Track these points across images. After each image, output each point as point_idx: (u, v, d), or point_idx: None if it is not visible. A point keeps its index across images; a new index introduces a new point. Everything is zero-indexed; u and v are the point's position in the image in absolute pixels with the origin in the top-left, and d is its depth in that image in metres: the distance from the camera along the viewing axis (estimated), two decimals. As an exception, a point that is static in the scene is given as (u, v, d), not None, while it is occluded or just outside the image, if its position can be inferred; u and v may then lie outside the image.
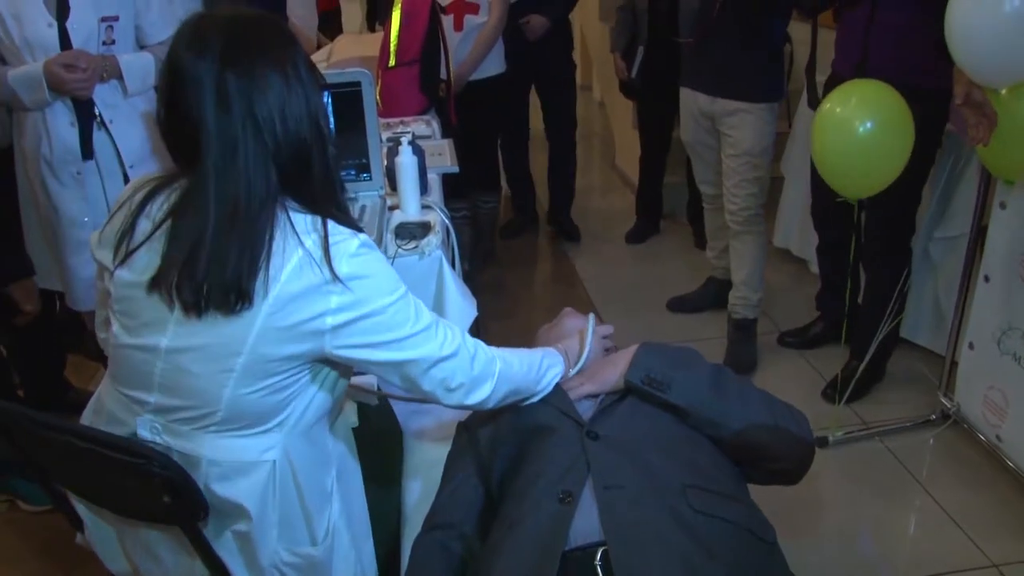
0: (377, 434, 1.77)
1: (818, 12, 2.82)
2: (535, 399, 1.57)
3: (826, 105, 2.44)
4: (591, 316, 1.75)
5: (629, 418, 1.51)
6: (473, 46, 3.66)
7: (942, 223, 3.07)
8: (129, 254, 1.30)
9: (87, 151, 2.40)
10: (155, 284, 1.26)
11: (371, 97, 2.10)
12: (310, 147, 1.28)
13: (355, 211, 2.13)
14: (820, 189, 2.83)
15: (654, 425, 1.49)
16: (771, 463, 1.54)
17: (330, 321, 1.26)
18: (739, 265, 3.31)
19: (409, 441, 1.91)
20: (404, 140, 2.18)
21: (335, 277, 1.24)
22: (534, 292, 4.24)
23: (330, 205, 1.32)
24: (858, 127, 2.35)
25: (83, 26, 2.29)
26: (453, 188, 3.90)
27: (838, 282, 3.13)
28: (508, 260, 4.49)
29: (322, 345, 1.28)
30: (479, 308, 2.15)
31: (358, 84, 2.08)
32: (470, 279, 4.03)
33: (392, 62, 3.19)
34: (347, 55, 3.66)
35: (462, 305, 2.02)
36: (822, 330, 3.42)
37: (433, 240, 2.00)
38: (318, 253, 1.24)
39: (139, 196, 1.33)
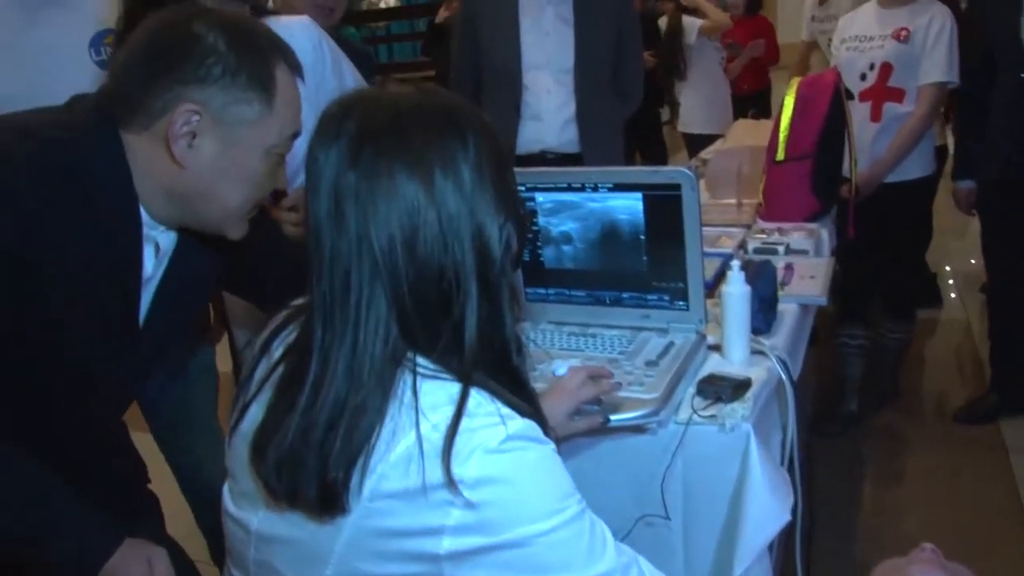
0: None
1: None
2: None
3: None
4: None
5: None
6: (893, 140, 2.97)
7: None
8: (244, 407, 0.98)
9: None
10: (253, 447, 0.92)
11: (693, 204, 1.60)
12: (452, 288, 0.85)
13: (661, 348, 1.64)
14: None
15: None
16: None
17: (447, 544, 0.82)
18: None
19: None
20: (735, 264, 1.64)
21: (451, 481, 0.80)
22: (941, 455, 3.15)
23: (493, 371, 0.88)
24: None
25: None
26: (851, 311, 3.23)
27: None
28: (912, 407, 3.49)
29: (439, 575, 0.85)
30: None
31: (678, 187, 1.60)
32: (856, 422, 3.28)
33: (780, 155, 2.64)
34: (739, 143, 3.17)
35: (769, 505, 1.41)
36: None
37: (738, 410, 1.43)
38: (437, 440, 0.81)
39: (266, 332, 1.01)
